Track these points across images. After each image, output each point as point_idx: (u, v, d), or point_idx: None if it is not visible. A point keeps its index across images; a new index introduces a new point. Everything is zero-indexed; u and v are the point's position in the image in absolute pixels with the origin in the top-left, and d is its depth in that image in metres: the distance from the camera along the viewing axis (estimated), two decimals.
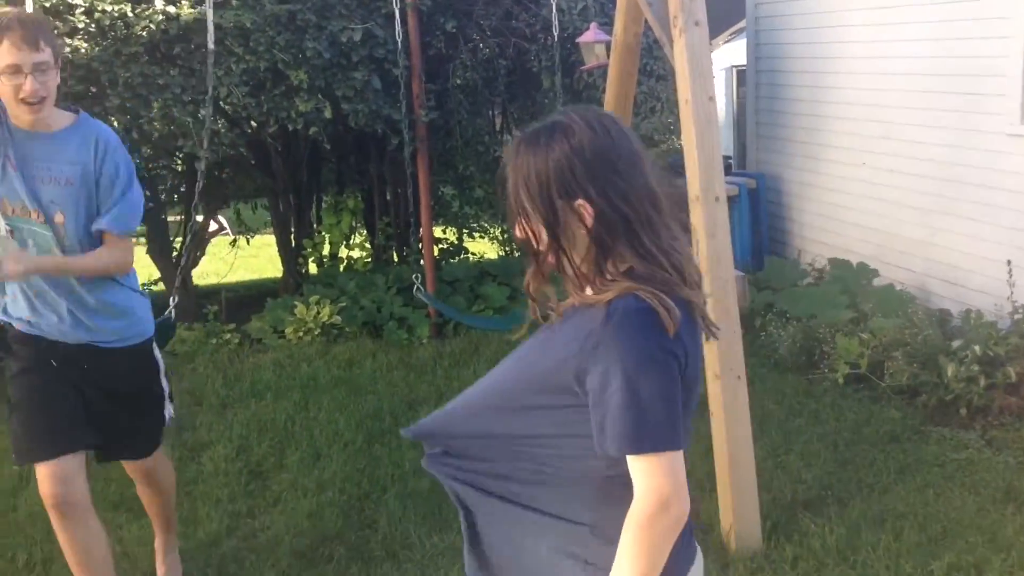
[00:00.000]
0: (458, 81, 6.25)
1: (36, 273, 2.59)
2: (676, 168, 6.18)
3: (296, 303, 6.11)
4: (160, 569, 3.16)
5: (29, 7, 5.14)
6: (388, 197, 7.17)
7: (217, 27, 4.89)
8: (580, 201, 1.45)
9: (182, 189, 7.12)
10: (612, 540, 1.46)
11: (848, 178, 6.38)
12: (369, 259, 7.16)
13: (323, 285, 6.46)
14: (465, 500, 1.61)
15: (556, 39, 5.81)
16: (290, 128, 5.99)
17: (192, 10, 5.56)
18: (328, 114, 5.86)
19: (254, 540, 3.55)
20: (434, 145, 6.38)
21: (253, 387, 5.15)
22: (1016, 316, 4.67)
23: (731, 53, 10.29)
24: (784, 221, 7.24)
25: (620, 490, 1.45)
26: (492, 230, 7.95)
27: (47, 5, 5.41)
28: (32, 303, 2.67)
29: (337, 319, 5.99)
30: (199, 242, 6.78)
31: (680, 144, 6.35)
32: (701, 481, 3.65)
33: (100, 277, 2.70)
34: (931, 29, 5.47)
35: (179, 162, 6.84)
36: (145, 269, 7.17)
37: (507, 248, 7.68)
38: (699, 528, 3.40)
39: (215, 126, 5.86)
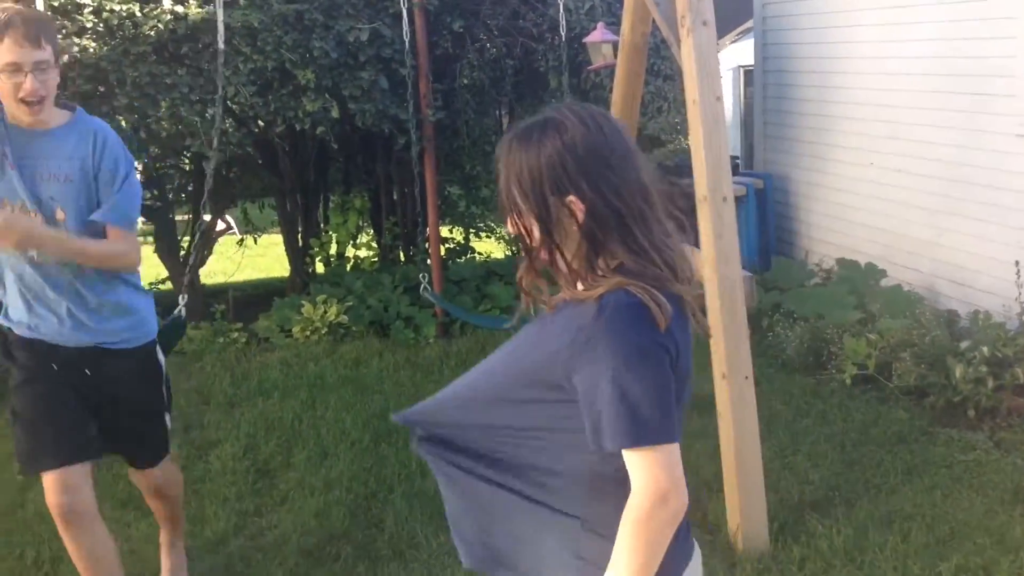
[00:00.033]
0: (465, 81, 6.25)
1: (31, 244, 2.49)
2: (683, 168, 6.18)
3: (303, 302, 6.12)
4: (165, 563, 3.14)
5: (39, 6, 5.17)
6: (395, 197, 7.17)
7: (225, 27, 4.90)
8: (572, 198, 1.45)
9: (189, 188, 7.15)
10: (603, 535, 1.46)
11: (856, 178, 6.37)
12: (376, 259, 7.17)
13: (330, 284, 6.46)
14: (448, 481, 1.63)
15: (563, 39, 5.81)
16: (297, 128, 6.01)
17: (200, 10, 5.57)
18: (335, 114, 5.87)
19: (261, 538, 3.56)
20: (441, 145, 6.38)
21: (260, 386, 5.16)
22: None
23: (738, 53, 10.27)
24: (791, 221, 7.23)
25: (610, 486, 1.46)
26: (499, 230, 7.95)
27: (55, 4, 5.43)
28: (30, 305, 2.62)
29: (344, 318, 6.00)
30: (206, 241, 6.80)
31: (687, 144, 6.35)
32: (708, 481, 3.65)
33: (102, 272, 2.63)
34: (939, 29, 5.46)
35: (187, 161, 6.87)
36: (153, 268, 7.20)
37: (514, 248, 7.67)
38: (707, 529, 3.41)
39: (223, 125, 5.87)
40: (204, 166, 5.78)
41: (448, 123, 6.35)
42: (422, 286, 5.75)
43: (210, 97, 5.35)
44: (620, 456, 1.41)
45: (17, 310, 2.65)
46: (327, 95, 5.81)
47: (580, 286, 1.47)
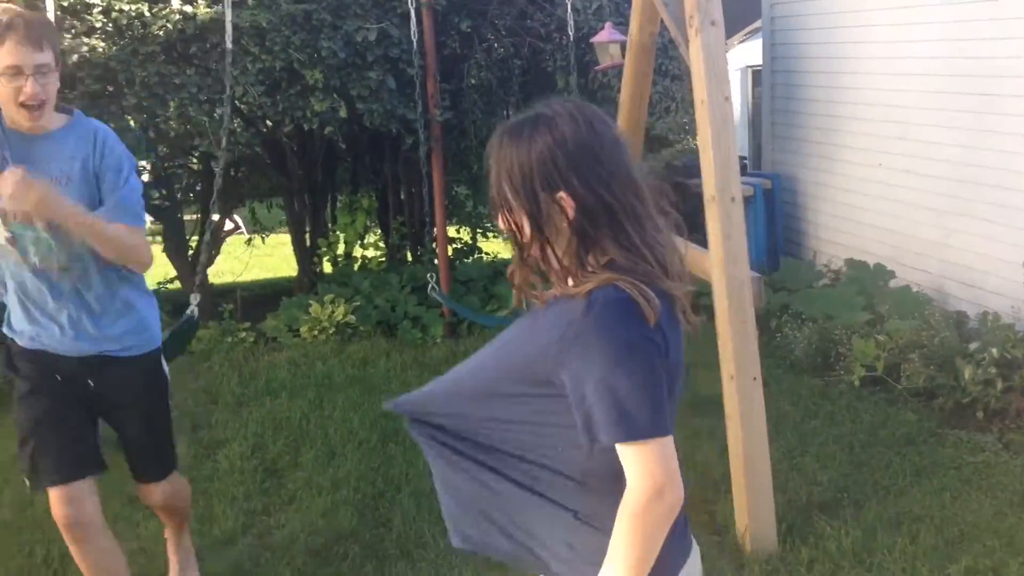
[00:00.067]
0: (473, 81, 6.26)
1: (48, 211, 2.36)
2: (691, 168, 6.18)
3: (311, 302, 6.13)
4: (173, 562, 3.12)
5: (49, 6, 5.18)
6: (402, 197, 7.18)
7: (233, 27, 4.91)
8: (562, 194, 1.45)
9: (198, 188, 7.16)
10: (597, 528, 1.47)
11: (864, 179, 6.35)
12: (383, 258, 7.18)
13: (338, 284, 6.48)
14: (442, 462, 1.63)
15: (571, 39, 5.81)
16: (305, 127, 6.01)
17: (208, 10, 5.59)
18: (343, 114, 5.88)
19: (269, 538, 3.57)
20: (448, 145, 6.38)
21: (268, 385, 5.17)
22: None
23: (746, 53, 10.25)
24: (800, 222, 7.21)
25: (601, 482, 1.46)
26: None
27: (65, 4, 5.45)
28: (32, 315, 2.58)
29: (351, 318, 6.00)
30: (215, 241, 6.81)
31: (695, 144, 6.34)
32: (716, 482, 3.64)
33: (108, 276, 2.58)
34: (947, 30, 5.44)
35: (195, 161, 6.88)
36: (161, 268, 7.21)
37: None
38: (715, 529, 3.40)
39: (231, 125, 5.88)
40: (212, 166, 5.79)
41: (456, 123, 6.36)
42: (430, 286, 5.75)
43: (219, 97, 5.36)
44: (611, 452, 1.41)
45: (19, 320, 2.61)
46: (335, 95, 5.82)
47: (571, 282, 1.47)
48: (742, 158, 8.60)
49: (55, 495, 2.60)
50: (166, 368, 2.82)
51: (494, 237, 8.03)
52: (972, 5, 5.24)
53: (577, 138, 1.46)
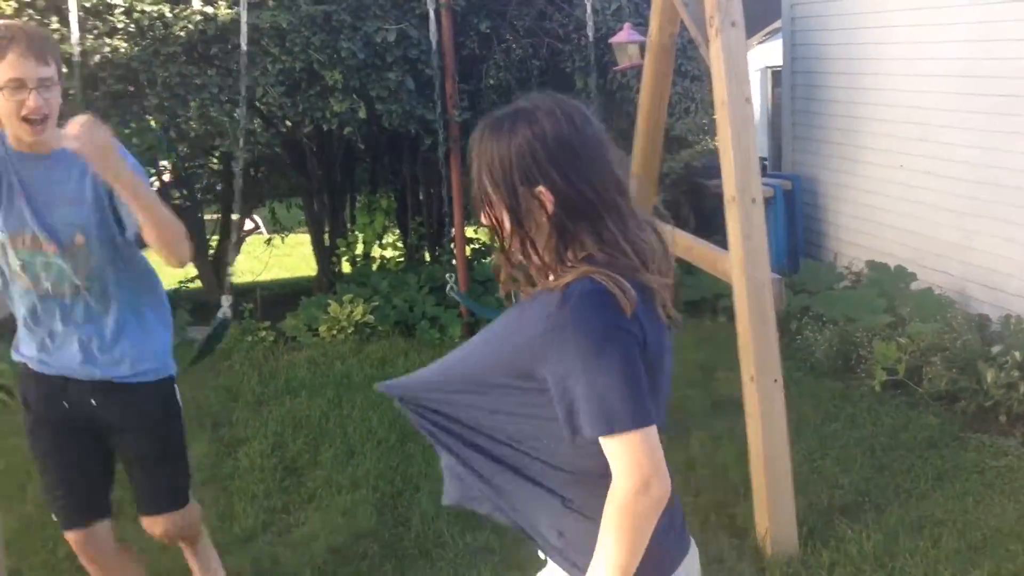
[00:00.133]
0: (491, 82, 6.26)
1: (107, 163, 2.21)
2: (711, 170, 6.15)
3: (330, 301, 6.15)
4: (195, 565, 3.02)
5: (72, 8, 5.23)
6: (421, 197, 7.20)
7: (253, 28, 4.95)
8: (541, 188, 1.45)
9: (218, 188, 7.21)
10: (588, 516, 1.46)
11: (885, 180, 6.31)
12: (402, 258, 7.20)
13: (356, 284, 6.50)
14: (437, 436, 1.63)
15: (590, 39, 5.80)
16: (325, 128, 6.04)
17: (229, 11, 5.62)
18: (362, 114, 5.90)
19: (289, 536, 3.58)
20: (467, 145, 6.36)
21: (288, 384, 5.20)
22: None
23: (766, 54, 10.20)
24: (820, 223, 7.17)
25: (587, 473, 1.46)
26: None
27: (87, 5, 5.50)
28: (41, 340, 2.52)
29: (370, 318, 6.02)
30: (236, 240, 6.86)
31: (714, 145, 6.31)
32: (736, 485, 3.63)
33: (128, 293, 2.51)
34: (971, 30, 5.40)
35: (215, 161, 6.93)
36: (182, 268, 7.26)
37: None
38: (734, 532, 3.38)
39: (251, 126, 5.92)
40: (232, 166, 5.83)
41: (474, 124, 6.23)
42: (448, 286, 5.75)
43: (239, 97, 5.39)
44: (596, 446, 1.40)
45: (28, 345, 2.56)
46: (354, 96, 5.84)
47: (551, 277, 1.48)
48: (762, 159, 8.55)
49: (69, 536, 2.63)
50: (179, 397, 2.70)
51: None
52: (999, 6, 5.19)
53: (557, 133, 1.46)
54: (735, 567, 3.20)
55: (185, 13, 5.61)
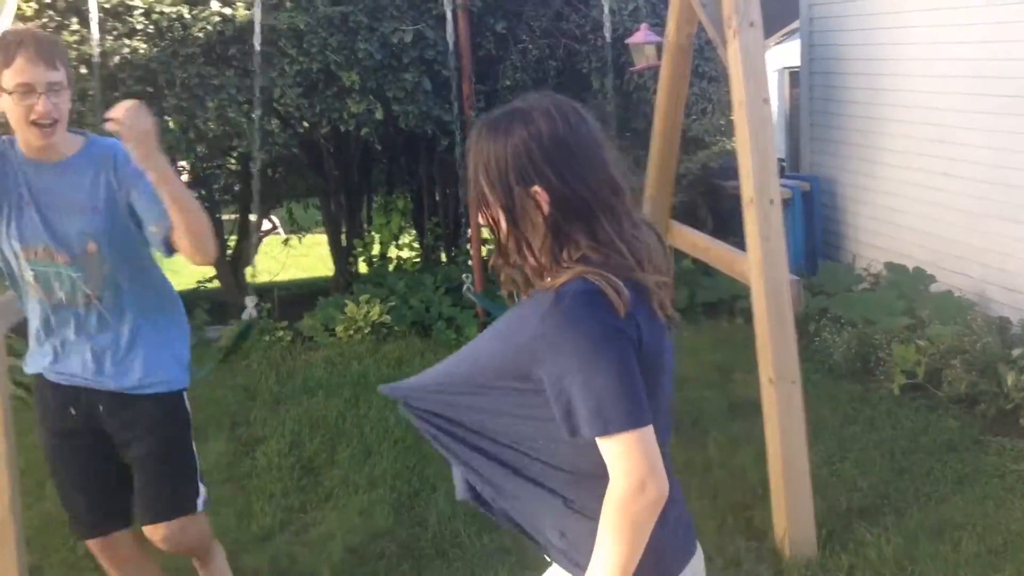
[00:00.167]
0: (508, 82, 6.26)
1: (152, 143, 2.19)
2: (728, 171, 6.13)
3: (347, 302, 6.16)
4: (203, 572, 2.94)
5: (92, 9, 5.27)
6: (437, 198, 7.21)
7: (271, 29, 4.97)
8: (536, 188, 1.46)
9: (236, 188, 7.25)
10: (589, 516, 1.46)
11: (904, 181, 6.26)
12: (418, 259, 7.21)
13: (373, 284, 6.51)
14: (439, 438, 1.63)
15: (607, 40, 5.79)
16: (342, 129, 6.06)
17: (247, 11, 5.65)
18: (379, 115, 5.92)
19: (306, 535, 3.60)
20: None
21: (305, 384, 5.21)
22: None
23: (783, 54, 10.16)
24: (838, 225, 7.13)
25: (587, 473, 1.46)
26: None
27: (107, 6, 5.54)
28: (54, 349, 2.50)
29: (386, 318, 6.03)
30: (255, 241, 6.89)
31: (732, 146, 6.29)
32: (754, 487, 3.61)
33: (150, 302, 2.50)
34: (989, 31, 5.35)
35: (233, 162, 6.96)
36: (200, 267, 7.30)
37: None
38: (752, 534, 3.37)
39: (268, 126, 5.95)
40: (250, 166, 5.85)
41: None
42: (465, 286, 5.76)
43: (257, 98, 5.42)
44: (595, 446, 1.40)
45: (40, 357, 2.55)
46: (371, 96, 5.85)
47: (547, 278, 1.48)
48: (780, 160, 8.51)
49: (89, 543, 2.66)
50: (188, 407, 2.64)
51: None
52: (1017, 6, 5.15)
53: (552, 133, 1.46)
54: (753, 570, 3.18)
55: (203, 14, 5.64)
